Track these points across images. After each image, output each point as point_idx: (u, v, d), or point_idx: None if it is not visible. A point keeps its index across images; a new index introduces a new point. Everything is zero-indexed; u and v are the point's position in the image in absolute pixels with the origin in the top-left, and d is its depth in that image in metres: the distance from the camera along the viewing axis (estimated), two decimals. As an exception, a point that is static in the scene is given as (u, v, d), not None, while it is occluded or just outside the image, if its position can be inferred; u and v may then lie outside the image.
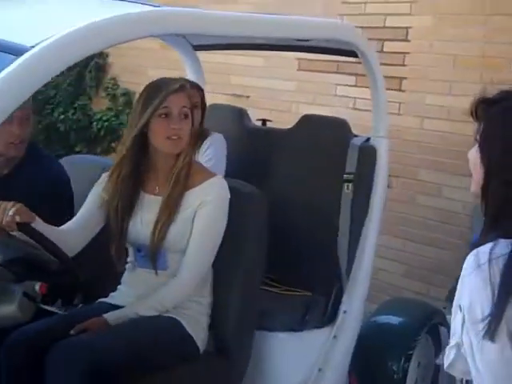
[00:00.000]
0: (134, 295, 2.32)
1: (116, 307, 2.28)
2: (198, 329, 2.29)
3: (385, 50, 4.16)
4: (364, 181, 2.89)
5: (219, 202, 2.28)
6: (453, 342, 1.42)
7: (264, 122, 3.42)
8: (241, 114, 3.33)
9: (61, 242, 2.11)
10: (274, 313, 2.74)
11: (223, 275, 2.38)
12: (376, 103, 2.95)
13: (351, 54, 2.83)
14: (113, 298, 2.38)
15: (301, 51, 3.21)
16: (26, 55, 1.61)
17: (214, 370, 2.33)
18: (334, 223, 2.88)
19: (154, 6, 2.02)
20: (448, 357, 1.43)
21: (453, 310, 1.40)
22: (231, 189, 2.37)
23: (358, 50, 2.77)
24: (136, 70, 5.37)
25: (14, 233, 1.96)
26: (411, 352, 2.97)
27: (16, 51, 1.63)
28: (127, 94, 5.60)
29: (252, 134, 3.28)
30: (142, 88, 2.30)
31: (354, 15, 4.25)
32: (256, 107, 4.70)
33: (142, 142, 2.26)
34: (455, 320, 1.39)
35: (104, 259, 2.37)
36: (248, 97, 4.84)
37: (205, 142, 3.05)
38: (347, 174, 2.88)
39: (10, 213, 1.92)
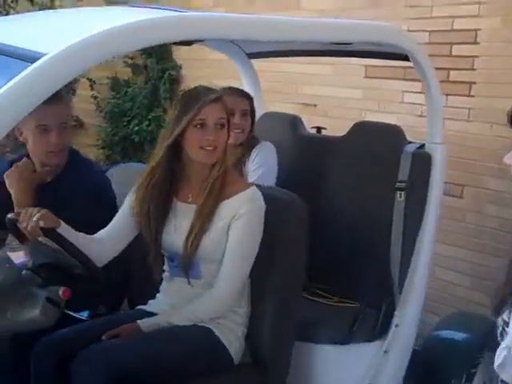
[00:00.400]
0: (169, 304, 2.31)
1: (152, 315, 2.27)
2: (232, 338, 2.24)
3: (453, 53, 4.00)
4: (417, 189, 2.77)
5: (253, 214, 2.22)
6: (504, 344, 1.45)
7: (319, 129, 3.35)
8: (294, 121, 3.28)
9: (90, 250, 2.13)
10: (320, 324, 2.67)
11: (260, 285, 2.32)
12: (430, 108, 2.83)
13: (404, 57, 2.73)
14: (150, 306, 2.37)
15: (351, 56, 3.11)
16: (40, 61, 1.63)
17: (248, 381, 2.27)
18: (386, 233, 2.77)
19: (176, 11, 2.01)
20: (499, 357, 1.45)
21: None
22: (271, 197, 2.32)
23: (408, 52, 2.67)
24: (206, 81, 5.38)
25: (41, 239, 1.98)
26: (474, 370, 2.82)
27: (31, 58, 1.65)
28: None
29: (305, 142, 3.22)
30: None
31: (421, 19, 4.12)
32: (323, 116, 4.65)
33: (176, 150, 2.24)
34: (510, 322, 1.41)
35: (144, 267, 2.38)
36: (315, 105, 4.78)
37: (254, 150, 3.02)
38: (399, 181, 2.77)
39: (35, 218, 1.94)
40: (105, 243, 2.24)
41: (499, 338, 1.56)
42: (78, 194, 2.43)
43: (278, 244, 2.31)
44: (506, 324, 1.54)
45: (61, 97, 2.46)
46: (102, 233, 2.26)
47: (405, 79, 4.22)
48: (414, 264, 2.76)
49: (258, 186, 2.41)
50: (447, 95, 4.01)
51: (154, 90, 5.94)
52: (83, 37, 1.69)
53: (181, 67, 5.88)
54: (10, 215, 2.03)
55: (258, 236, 2.24)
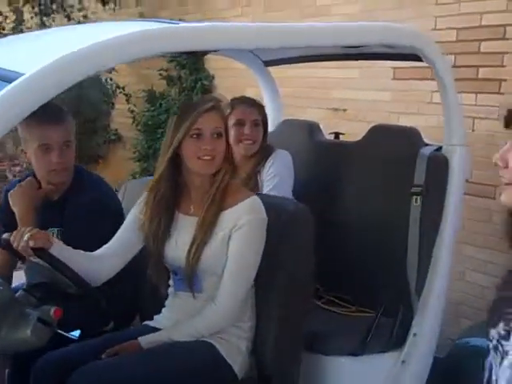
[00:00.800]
0: (173, 319, 2.28)
1: (157, 330, 2.25)
2: (234, 354, 2.19)
3: (482, 50, 3.87)
4: (433, 193, 2.67)
5: (253, 225, 2.16)
6: (507, 362, 1.37)
7: (337, 135, 3.28)
8: (312, 128, 3.21)
9: (89, 268, 2.13)
10: (332, 335, 2.61)
11: (263, 297, 2.27)
12: (446, 108, 2.73)
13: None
14: (155, 322, 2.35)
15: (367, 59, 3.03)
16: (16, 82, 1.62)
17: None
18: (403, 239, 2.68)
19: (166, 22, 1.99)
20: (503, 376, 1.38)
21: None
22: (275, 206, 2.27)
23: (420, 52, 2.58)
24: (236, 89, 5.38)
25: (34, 258, 1.97)
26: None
27: (10, 79, 1.65)
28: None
29: (323, 148, 3.15)
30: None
31: (448, 16, 4.00)
32: (353, 120, 4.58)
33: (176, 162, 2.22)
34: None
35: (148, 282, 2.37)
36: (345, 110, 4.70)
37: (269, 159, 2.97)
38: (415, 186, 2.67)
39: (25, 238, 1.94)
40: (105, 260, 2.22)
41: (493, 353, 1.46)
42: (85, 210, 2.43)
43: (283, 255, 2.25)
44: (503, 337, 1.44)
45: (62, 117, 2.47)
46: (103, 249, 2.24)
47: (433, 79, 4.10)
48: (433, 270, 2.66)
49: (263, 196, 2.37)
50: (477, 93, 3.90)
51: (188, 100, 5.94)
52: (59, 56, 1.68)
53: (213, 77, 5.87)
54: (4, 235, 2.03)
55: (259, 247, 2.19)
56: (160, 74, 6.25)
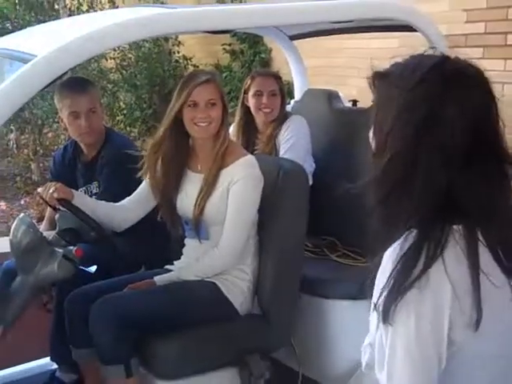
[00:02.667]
0: (185, 262, 2.66)
1: (173, 272, 2.64)
2: (236, 292, 2.54)
3: (508, 43, 3.99)
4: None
5: (247, 179, 2.49)
6: (366, 341, 1.41)
7: (354, 102, 3.53)
8: (330, 96, 3.48)
9: (113, 216, 2.56)
10: (335, 281, 2.90)
11: (264, 244, 2.61)
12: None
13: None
14: (174, 266, 2.73)
15: (375, 31, 3.26)
16: (30, 62, 2.01)
17: (251, 330, 2.57)
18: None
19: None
20: (364, 356, 1.42)
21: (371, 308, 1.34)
22: (273, 164, 2.62)
23: (413, 24, 2.81)
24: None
25: (62, 208, 2.40)
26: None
27: (24, 59, 2.04)
28: (288, 85, 5.92)
29: (339, 115, 3.42)
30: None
31: (477, 10, 4.14)
32: (395, 88, 4.76)
33: (180, 127, 2.56)
34: (371, 318, 1.35)
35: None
36: (387, 78, 4.89)
37: (284, 124, 3.27)
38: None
39: (50, 191, 2.37)
40: (126, 210, 2.62)
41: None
42: (112, 163, 2.85)
43: (280, 206, 2.58)
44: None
45: (87, 87, 2.91)
46: (125, 201, 2.64)
47: (466, 46, 4.26)
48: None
49: (263, 157, 2.70)
50: (506, 59, 4.03)
51: (249, 73, 6.28)
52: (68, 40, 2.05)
53: (271, 50, 6.17)
54: (39, 189, 2.47)
55: (254, 199, 2.52)
56: (224, 49, 6.61)
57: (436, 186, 1.28)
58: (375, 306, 1.29)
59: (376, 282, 1.30)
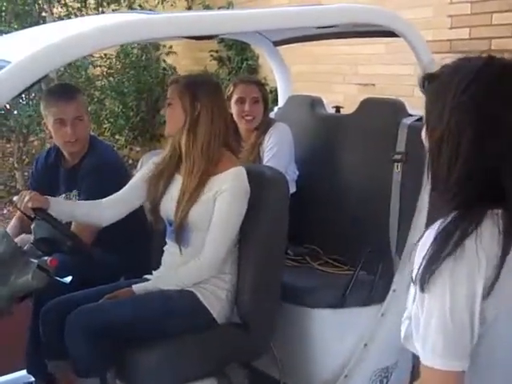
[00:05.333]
0: (164, 272, 2.62)
1: (152, 281, 2.60)
2: (214, 301, 2.50)
3: (492, 48, 3.99)
4: (413, 161, 2.87)
5: (235, 191, 2.47)
6: (405, 315, 1.46)
7: (338, 108, 3.51)
8: (313, 102, 3.46)
9: (91, 214, 2.58)
10: (316, 290, 2.87)
11: (244, 252, 2.58)
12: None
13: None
14: (153, 275, 2.69)
15: (359, 36, 3.24)
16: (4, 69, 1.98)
17: (230, 339, 2.53)
18: (386, 204, 2.91)
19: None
20: (402, 329, 1.48)
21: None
22: (257, 173, 2.58)
23: (397, 31, 2.79)
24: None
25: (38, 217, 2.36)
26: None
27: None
28: (275, 91, 5.89)
29: (322, 121, 3.40)
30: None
31: (461, 15, 4.15)
32: (381, 94, 4.75)
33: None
34: (409, 292, 1.43)
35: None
36: (374, 85, 4.89)
37: (268, 131, 3.25)
38: (396, 153, 2.90)
39: (25, 200, 2.33)
40: (105, 207, 2.59)
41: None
42: (95, 171, 2.83)
43: (261, 214, 2.55)
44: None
45: (74, 95, 2.88)
46: (105, 199, 2.61)
47: (450, 52, 4.25)
48: (412, 233, 2.86)
49: (248, 165, 2.68)
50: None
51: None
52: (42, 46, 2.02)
53: (258, 57, 6.15)
54: (14, 198, 2.43)
55: (240, 210, 2.49)
56: (211, 55, 6.59)
57: (484, 175, 1.37)
58: (413, 279, 1.36)
59: (415, 259, 1.38)
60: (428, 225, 1.42)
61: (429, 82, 1.46)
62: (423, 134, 1.50)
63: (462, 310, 1.31)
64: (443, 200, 1.41)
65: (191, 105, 2.49)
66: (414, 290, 1.38)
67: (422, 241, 1.38)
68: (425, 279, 1.32)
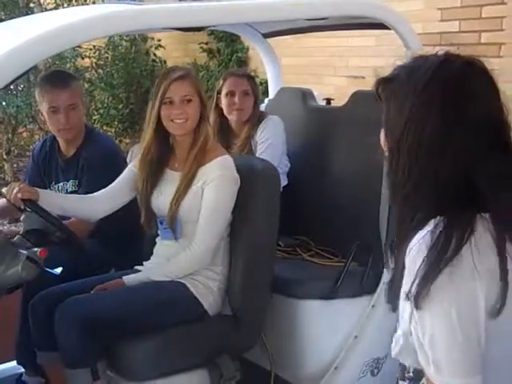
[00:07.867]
0: (155, 263, 2.61)
1: (143, 272, 2.59)
2: (205, 293, 2.50)
3: (482, 41, 3.99)
4: (403, 153, 2.88)
5: (222, 180, 2.46)
6: (399, 330, 1.40)
7: (328, 100, 3.51)
8: (304, 95, 3.45)
9: (82, 208, 2.57)
10: (306, 281, 2.87)
11: (235, 243, 2.58)
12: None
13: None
14: (144, 266, 2.68)
15: (348, 29, 3.24)
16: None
17: (221, 330, 2.53)
18: (377, 196, 2.91)
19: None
20: (396, 345, 1.41)
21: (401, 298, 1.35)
22: (247, 165, 2.57)
23: (387, 23, 2.78)
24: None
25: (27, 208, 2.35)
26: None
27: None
28: (265, 83, 5.88)
29: (313, 113, 3.39)
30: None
31: (451, 8, 4.16)
32: (371, 87, 4.76)
33: (161, 125, 2.52)
34: (403, 308, 1.36)
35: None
36: (363, 77, 4.88)
37: (261, 124, 3.23)
38: (387, 145, 2.89)
39: (15, 191, 2.31)
40: (97, 201, 2.58)
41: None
42: (94, 162, 2.83)
43: (251, 206, 2.55)
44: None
45: (68, 83, 2.87)
46: (100, 192, 2.59)
47: (441, 44, 4.25)
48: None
49: (238, 157, 2.67)
50: (480, 57, 4.03)
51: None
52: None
53: (248, 49, 6.14)
54: (3, 189, 2.42)
55: (228, 199, 2.49)
56: (201, 47, 6.56)
57: (459, 176, 1.31)
58: (407, 295, 1.29)
59: (406, 272, 1.31)
60: (406, 229, 1.35)
61: (384, 85, 1.47)
62: (382, 139, 1.50)
63: (468, 324, 1.25)
64: (422, 203, 1.34)
65: (204, 97, 2.52)
66: (409, 308, 1.31)
67: (413, 250, 1.30)
68: (422, 296, 1.26)
